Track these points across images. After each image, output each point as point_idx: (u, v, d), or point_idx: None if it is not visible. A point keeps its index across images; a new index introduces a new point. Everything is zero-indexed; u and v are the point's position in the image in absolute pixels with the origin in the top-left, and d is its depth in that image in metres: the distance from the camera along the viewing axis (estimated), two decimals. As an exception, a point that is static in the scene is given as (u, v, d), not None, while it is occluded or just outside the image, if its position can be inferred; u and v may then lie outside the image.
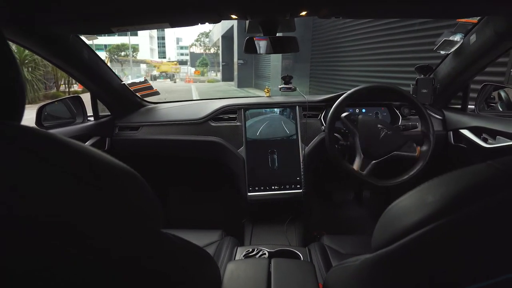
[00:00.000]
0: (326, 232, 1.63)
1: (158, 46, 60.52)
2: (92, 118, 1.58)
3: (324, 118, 1.59)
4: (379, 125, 1.36)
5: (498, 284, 0.29)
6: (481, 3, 0.97)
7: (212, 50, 35.92)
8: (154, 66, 31.98)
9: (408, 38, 5.13)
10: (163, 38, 65.44)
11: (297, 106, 1.60)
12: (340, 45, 7.65)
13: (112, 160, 0.36)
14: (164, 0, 0.86)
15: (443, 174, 0.38)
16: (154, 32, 53.74)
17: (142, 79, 1.71)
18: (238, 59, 16.54)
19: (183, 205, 2.06)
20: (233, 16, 1.03)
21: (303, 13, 0.99)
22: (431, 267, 0.33)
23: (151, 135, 1.61)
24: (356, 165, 1.35)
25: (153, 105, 1.81)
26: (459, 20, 1.28)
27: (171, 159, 1.85)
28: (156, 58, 51.31)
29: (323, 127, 1.55)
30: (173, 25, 1.09)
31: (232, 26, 16.53)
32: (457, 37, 1.31)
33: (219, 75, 28.24)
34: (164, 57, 61.21)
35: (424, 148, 1.36)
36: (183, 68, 36.08)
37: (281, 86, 1.70)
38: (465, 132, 1.42)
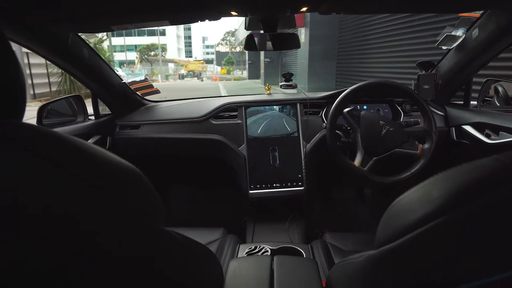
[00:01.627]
0: (328, 229, 1.62)
1: (185, 45, 60.83)
2: (93, 117, 1.58)
3: (326, 115, 1.58)
4: (381, 122, 1.34)
5: (506, 279, 0.29)
6: None
7: (237, 49, 35.92)
8: (182, 65, 32.75)
9: (433, 35, 5.00)
10: (189, 37, 66.03)
11: (298, 104, 1.60)
12: (365, 42, 7.65)
13: (114, 158, 0.36)
14: None
15: (447, 169, 0.37)
16: (181, 32, 54.34)
17: (142, 78, 1.71)
18: (265, 57, 16.59)
19: (185, 203, 2.06)
20: (233, 13, 1.02)
21: (304, 9, 0.98)
22: (436, 263, 0.33)
23: (152, 133, 1.61)
24: (357, 161, 1.33)
25: (153, 104, 1.81)
26: (461, 14, 1.26)
27: (172, 157, 1.85)
28: (183, 57, 52.01)
29: (324, 124, 1.54)
30: (173, 22, 1.09)
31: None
32: (459, 32, 1.28)
33: (245, 73, 28.39)
34: (191, 56, 61.71)
35: (426, 145, 1.34)
36: (209, 67, 36.51)
37: (282, 83, 1.69)
38: (468, 128, 1.40)
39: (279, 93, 1.82)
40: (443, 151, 1.49)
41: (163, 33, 43.24)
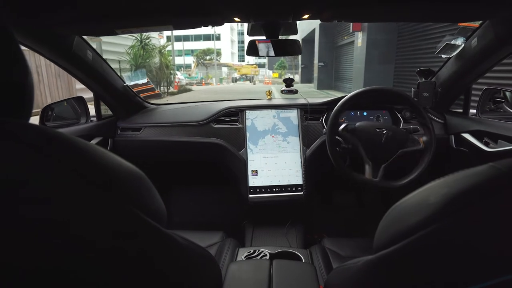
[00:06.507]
0: (327, 235, 1.62)
1: (238, 50, 61.02)
2: (95, 119, 1.58)
3: (326, 120, 1.59)
4: (377, 129, 1.34)
5: (501, 284, 0.29)
6: (483, 8, 0.97)
7: (290, 53, 35.84)
8: (235, 69, 33.25)
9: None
10: (243, 42, 66.14)
11: (299, 109, 1.61)
12: (426, 46, 7.61)
13: (118, 160, 0.36)
14: (167, 2, 0.87)
15: (444, 176, 0.38)
16: (235, 36, 55.38)
17: (144, 81, 1.71)
18: (319, 61, 16.34)
19: (184, 206, 2.06)
20: (236, 19, 1.03)
21: (306, 16, 1.00)
22: (434, 268, 0.33)
23: (153, 136, 1.62)
24: (367, 174, 1.33)
25: (155, 106, 1.82)
26: (461, 24, 1.28)
27: (172, 160, 1.85)
28: (236, 61, 52.61)
29: (324, 130, 1.55)
30: (176, 27, 1.10)
31: (314, 30, 16.16)
32: (459, 41, 1.30)
33: (296, 77, 28.29)
34: (243, 60, 61.55)
35: (426, 138, 1.34)
36: (261, 71, 36.62)
37: (283, 88, 1.70)
38: (467, 136, 1.41)
39: (280, 98, 1.83)
40: (442, 158, 1.50)
41: (218, 38, 44.68)
